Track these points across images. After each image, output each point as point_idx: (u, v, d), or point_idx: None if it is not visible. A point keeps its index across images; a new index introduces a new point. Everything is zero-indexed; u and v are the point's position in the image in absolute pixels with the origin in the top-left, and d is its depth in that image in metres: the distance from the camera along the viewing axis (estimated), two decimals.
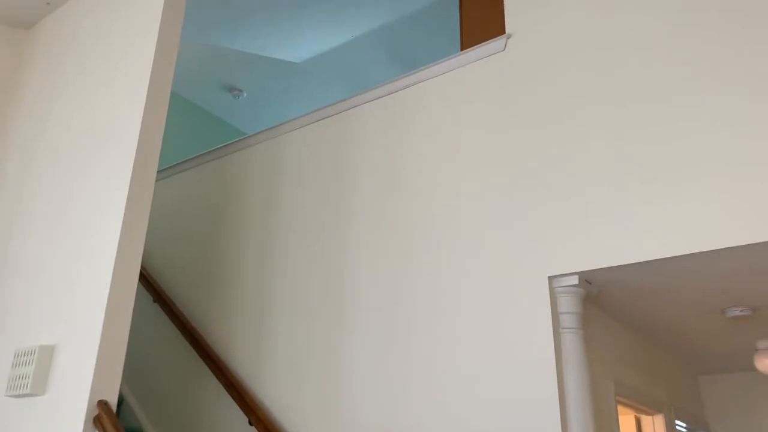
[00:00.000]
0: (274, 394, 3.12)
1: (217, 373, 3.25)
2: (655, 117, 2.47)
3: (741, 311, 3.00)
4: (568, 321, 2.53)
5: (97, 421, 2.10)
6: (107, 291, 2.28)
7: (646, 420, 3.63)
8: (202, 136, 5.90)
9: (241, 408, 3.10)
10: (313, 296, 3.17)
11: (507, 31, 3.00)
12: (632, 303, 2.97)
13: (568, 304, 2.55)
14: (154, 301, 3.80)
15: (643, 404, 3.38)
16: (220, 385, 3.29)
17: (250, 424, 3.04)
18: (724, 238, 2.21)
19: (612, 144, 2.53)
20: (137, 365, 3.76)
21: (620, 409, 3.39)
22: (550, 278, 2.54)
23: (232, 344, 3.40)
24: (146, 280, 3.89)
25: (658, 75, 2.52)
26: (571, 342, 2.50)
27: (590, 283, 2.62)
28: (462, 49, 3.37)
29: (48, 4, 3.35)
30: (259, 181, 3.71)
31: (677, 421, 3.91)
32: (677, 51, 2.51)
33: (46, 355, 2.35)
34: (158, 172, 4.25)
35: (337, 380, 2.93)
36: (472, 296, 2.68)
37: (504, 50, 2.96)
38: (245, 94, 5.89)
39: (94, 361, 2.18)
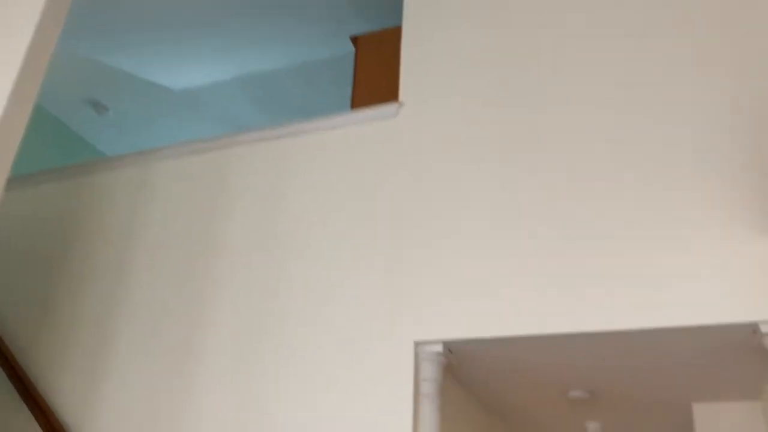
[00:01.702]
0: None
1: (40, 418, 2.88)
2: (537, 194, 2.63)
3: (580, 393, 3.19)
4: (428, 388, 2.54)
5: None
6: None
7: None
8: (54, 149, 5.42)
9: None
10: (164, 342, 2.95)
11: (400, 98, 3.09)
12: (485, 376, 3.06)
13: (430, 371, 2.57)
14: None
15: None
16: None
17: None
18: (573, 323, 2.36)
19: (486, 221, 2.65)
20: None
21: None
22: (416, 344, 2.56)
23: (62, 386, 3.05)
24: None
25: (547, 143, 2.70)
26: (429, 410, 2.51)
27: (452, 353, 2.67)
28: (353, 108, 3.42)
29: None
30: (120, 208, 3.45)
31: None
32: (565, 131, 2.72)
33: None
34: None
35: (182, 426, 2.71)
36: (336, 354, 2.63)
37: (396, 117, 3.04)
38: (110, 113, 5.52)
39: None
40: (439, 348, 2.57)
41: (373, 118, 3.08)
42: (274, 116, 5.38)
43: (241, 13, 4.26)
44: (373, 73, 3.50)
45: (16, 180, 3.82)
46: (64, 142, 5.56)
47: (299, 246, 2.91)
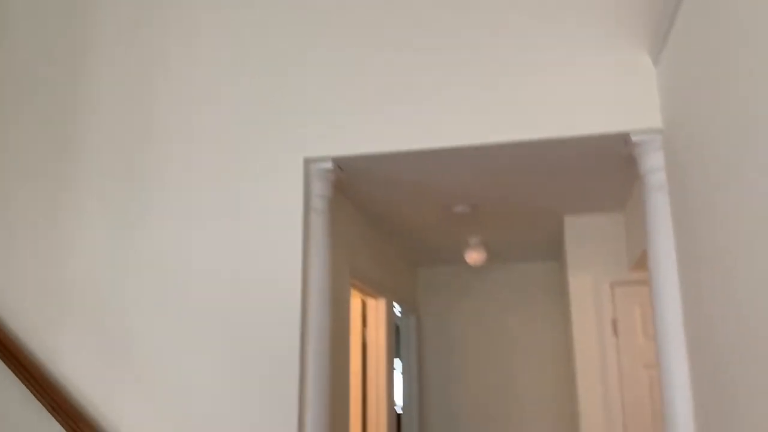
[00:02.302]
0: None
1: None
2: (398, 12, 2.54)
3: (463, 208, 3.36)
4: (319, 203, 2.57)
5: None
6: None
7: (371, 302, 3.96)
8: None
9: None
10: (36, 152, 2.75)
11: None
12: (375, 194, 3.13)
13: (321, 187, 2.58)
14: None
15: (371, 288, 3.67)
16: None
17: None
18: (455, 137, 2.39)
19: (367, 39, 2.55)
20: None
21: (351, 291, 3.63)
22: (306, 161, 2.53)
23: None
24: None
25: None
26: (319, 224, 2.56)
27: (342, 170, 2.68)
28: None
29: None
30: None
31: (395, 304, 4.34)
32: None
33: None
34: None
35: (59, 255, 2.62)
36: (226, 173, 2.56)
37: None
38: None
39: None
40: (329, 165, 2.56)
41: None
42: None
43: None
44: None
45: None
46: None
47: (182, 62, 2.70)
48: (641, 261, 3.13)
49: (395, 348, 4.34)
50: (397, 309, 4.67)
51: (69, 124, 2.76)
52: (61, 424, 2.35)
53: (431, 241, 4.26)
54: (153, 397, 2.41)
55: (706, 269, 1.79)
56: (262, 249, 2.46)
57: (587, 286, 3.47)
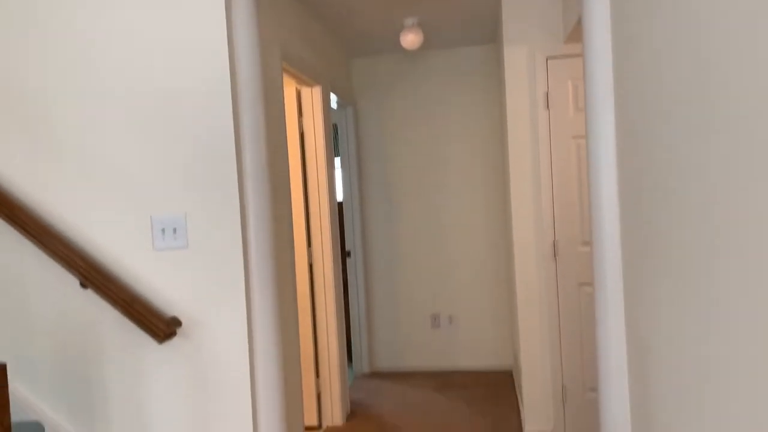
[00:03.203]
0: None
1: None
2: None
3: None
4: None
5: None
6: None
7: (306, 91, 3.87)
8: None
9: None
10: None
11: None
12: None
13: None
14: None
15: (305, 75, 3.56)
16: None
17: None
18: None
19: None
20: None
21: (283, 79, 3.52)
22: None
23: None
24: None
25: None
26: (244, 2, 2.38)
27: None
28: None
29: None
30: None
31: (332, 94, 4.27)
32: None
33: None
34: None
35: None
36: None
37: None
38: None
39: None
40: None
41: None
42: None
43: None
44: None
45: None
46: None
47: None
48: (576, 33, 3.10)
49: (334, 145, 4.35)
50: (333, 101, 4.61)
51: None
52: None
53: (366, 24, 4.08)
54: (87, 186, 2.37)
55: (641, 33, 1.77)
56: (181, 26, 2.30)
57: (522, 61, 3.46)
